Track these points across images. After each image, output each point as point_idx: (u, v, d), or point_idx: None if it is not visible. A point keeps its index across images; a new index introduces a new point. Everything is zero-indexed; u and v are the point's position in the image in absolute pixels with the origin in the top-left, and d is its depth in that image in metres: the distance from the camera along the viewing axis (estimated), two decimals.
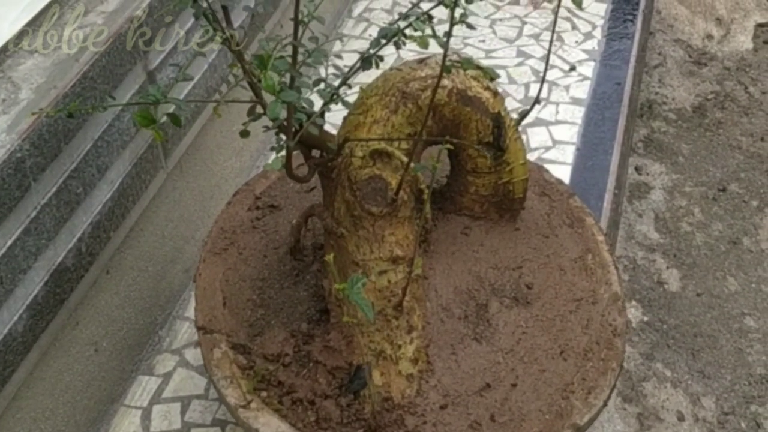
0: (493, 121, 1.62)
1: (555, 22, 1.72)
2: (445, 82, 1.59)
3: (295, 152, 1.42)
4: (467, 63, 1.41)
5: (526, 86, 2.51)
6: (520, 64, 2.59)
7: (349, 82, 1.49)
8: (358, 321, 1.52)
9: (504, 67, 2.57)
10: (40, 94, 1.55)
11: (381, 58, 1.44)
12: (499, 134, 1.64)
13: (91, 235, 1.66)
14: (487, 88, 1.63)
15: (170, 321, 1.97)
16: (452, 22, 1.26)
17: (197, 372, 1.88)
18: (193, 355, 1.91)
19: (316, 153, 1.55)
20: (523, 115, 1.73)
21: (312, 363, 1.56)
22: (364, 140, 1.50)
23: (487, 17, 2.76)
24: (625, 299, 2.68)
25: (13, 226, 1.46)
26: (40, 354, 1.57)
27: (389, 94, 1.58)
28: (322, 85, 1.48)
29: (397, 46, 1.43)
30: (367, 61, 1.42)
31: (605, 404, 1.53)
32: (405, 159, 1.53)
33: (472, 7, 2.76)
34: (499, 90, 2.47)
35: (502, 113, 1.64)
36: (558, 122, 2.40)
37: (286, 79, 1.29)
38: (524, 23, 2.73)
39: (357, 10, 2.83)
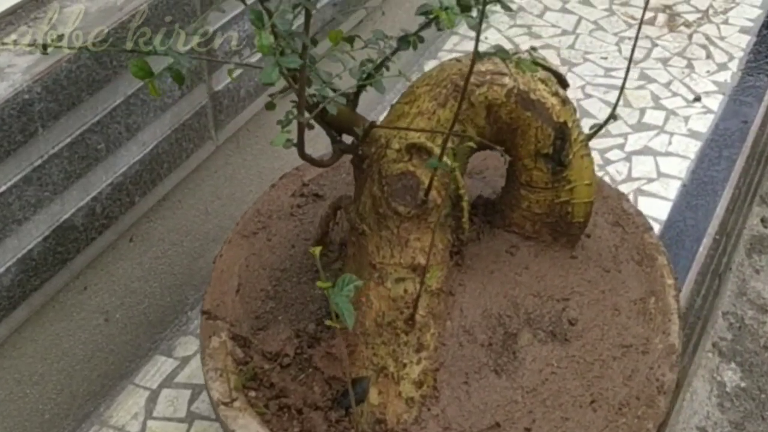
0: (555, 131, 1.44)
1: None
2: (506, 80, 1.41)
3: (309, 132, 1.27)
4: (525, 64, 1.22)
5: (642, 111, 2.30)
6: (640, 87, 2.37)
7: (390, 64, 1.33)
8: (363, 331, 1.36)
9: None
10: (73, 38, 1.45)
11: (421, 39, 1.27)
12: (562, 147, 1.45)
13: (110, 196, 1.54)
14: (555, 94, 1.45)
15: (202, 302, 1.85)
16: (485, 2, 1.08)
17: None
18: None
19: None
20: (596, 130, 1.53)
21: (311, 369, 1.41)
22: (391, 128, 1.34)
23: (615, 33, 2.55)
24: (725, 360, 2.44)
25: (11, 171, 1.36)
26: (31, 313, 1.47)
27: (441, 85, 1.42)
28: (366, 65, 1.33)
29: (439, 28, 1.25)
30: (404, 41, 1.26)
31: None
32: (445, 158, 1.36)
33: (601, 21, 2.56)
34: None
35: (569, 124, 1.45)
36: (668, 154, 2.18)
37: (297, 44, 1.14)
38: (654, 45, 2.51)
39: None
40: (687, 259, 1.94)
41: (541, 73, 1.46)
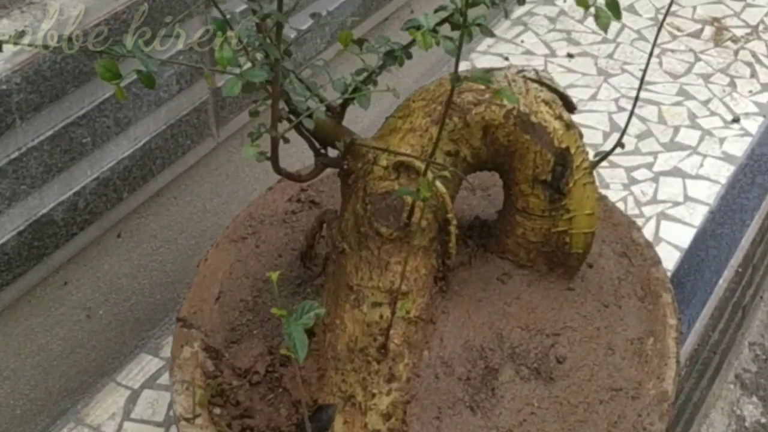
0: (556, 157, 1.36)
1: None
2: (506, 100, 1.33)
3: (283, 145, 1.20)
4: (504, 93, 1.13)
5: (676, 129, 2.20)
6: (677, 104, 2.27)
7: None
8: (334, 355, 1.30)
9: (657, 104, 2.26)
10: (62, 26, 1.39)
11: (409, 55, 1.20)
12: (562, 174, 1.37)
13: (95, 191, 1.50)
14: (559, 118, 1.37)
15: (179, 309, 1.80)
16: (464, 24, 1.00)
17: None
18: None
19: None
20: (600, 158, 1.45)
21: (281, 389, 1.35)
22: (371, 147, 1.27)
23: (658, 45, 2.44)
24: (746, 393, 2.34)
25: None
26: (2, 308, 1.43)
27: (437, 101, 1.34)
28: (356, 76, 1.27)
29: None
30: (390, 56, 1.19)
31: None
32: (433, 179, 1.29)
33: (644, 31, 2.46)
34: (642, 128, 2.19)
35: (572, 150, 1.37)
36: (698, 177, 2.08)
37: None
38: (697, 59, 2.40)
39: (517, 12, 2.57)
40: (705, 292, 1.85)
41: (546, 94, 1.38)
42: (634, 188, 2.05)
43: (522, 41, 2.47)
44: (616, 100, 2.28)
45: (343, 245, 1.33)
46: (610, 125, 2.20)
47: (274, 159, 1.19)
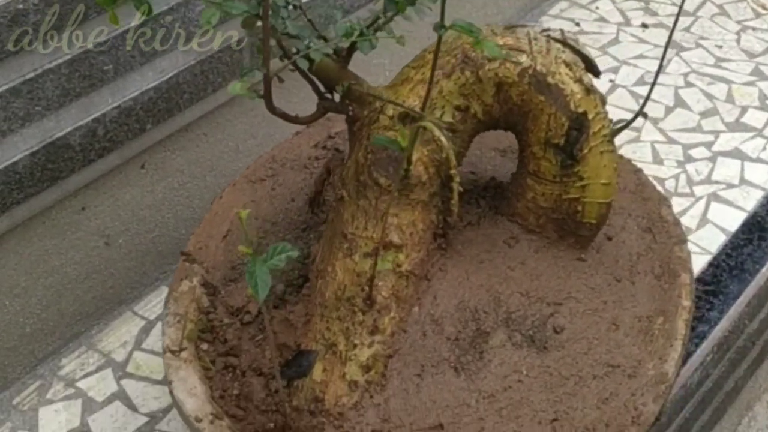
0: (571, 121, 1.31)
1: None
2: (523, 58, 1.29)
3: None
4: (486, 45, 1.09)
5: (743, 110, 2.10)
6: (749, 84, 2.17)
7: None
8: (322, 302, 1.29)
9: (729, 82, 2.17)
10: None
11: (412, 2, 1.16)
12: (577, 139, 1.32)
13: (116, 120, 1.50)
14: (579, 81, 1.31)
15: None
16: None
17: None
18: None
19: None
20: (621, 126, 1.39)
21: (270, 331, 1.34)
22: (367, 94, 1.24)
23: (739, 22, 2.35)
24: None
25: None
26: (12, 225, 1.45)
27: (451, 53, 1.31)
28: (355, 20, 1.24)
29: None
30: (391, 1, 1.15)
31: None
32: (438, 132, 1.26)
33: (727, 6, 2.37)
34: (708, 106, 2.10)
35: (590, 116, 1.32)
36: (758, 160, 1.99)
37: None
38: None
39: None
40: (744, 278, 1.77)
41: (568, 56, 1.33)
42: (689, 166, 1.98)
43: (597, 8, 2.39)
44: (685, 75, 2.19)
45: (342, 192, 1.31)
46: (675, 100, 2.12)
47: (267, 98, 1.17)
